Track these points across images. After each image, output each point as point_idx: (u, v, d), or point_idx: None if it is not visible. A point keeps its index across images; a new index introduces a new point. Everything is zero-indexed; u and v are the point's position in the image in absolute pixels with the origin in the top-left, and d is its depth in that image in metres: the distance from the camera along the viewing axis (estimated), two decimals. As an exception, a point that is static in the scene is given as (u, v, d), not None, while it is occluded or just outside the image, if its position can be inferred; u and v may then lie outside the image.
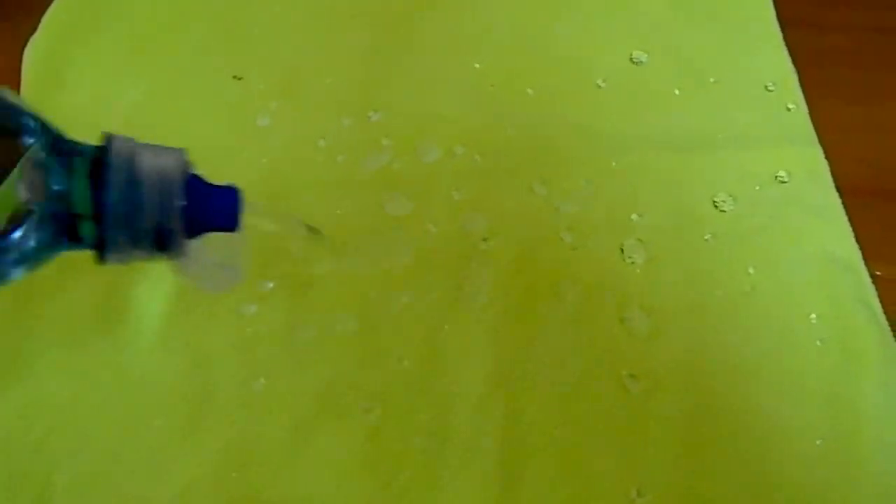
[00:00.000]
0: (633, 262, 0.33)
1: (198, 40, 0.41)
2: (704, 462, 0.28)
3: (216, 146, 0.33)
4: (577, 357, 0.30)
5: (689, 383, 0.30)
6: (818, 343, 0.31)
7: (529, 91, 0.39)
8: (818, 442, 0.29)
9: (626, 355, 0.31)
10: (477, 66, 0.40)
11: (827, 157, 0.37)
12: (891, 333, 0.32)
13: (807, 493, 0.28)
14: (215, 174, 0.26)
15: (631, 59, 0.40)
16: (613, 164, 0.36)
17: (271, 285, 0.32)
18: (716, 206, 0.35)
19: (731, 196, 0.35)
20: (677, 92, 0.39)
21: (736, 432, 0.29)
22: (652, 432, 0.29)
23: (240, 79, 0.39)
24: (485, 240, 0.34)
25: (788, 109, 0.39)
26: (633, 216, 0.35)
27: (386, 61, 0.40)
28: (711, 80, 0.40)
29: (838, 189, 0.36)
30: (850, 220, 0.35)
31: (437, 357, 0.30)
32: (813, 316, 0.32)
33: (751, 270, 0.33)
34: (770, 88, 0.39)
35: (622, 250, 0.34)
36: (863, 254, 0.34)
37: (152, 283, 0.31)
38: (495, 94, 0.39)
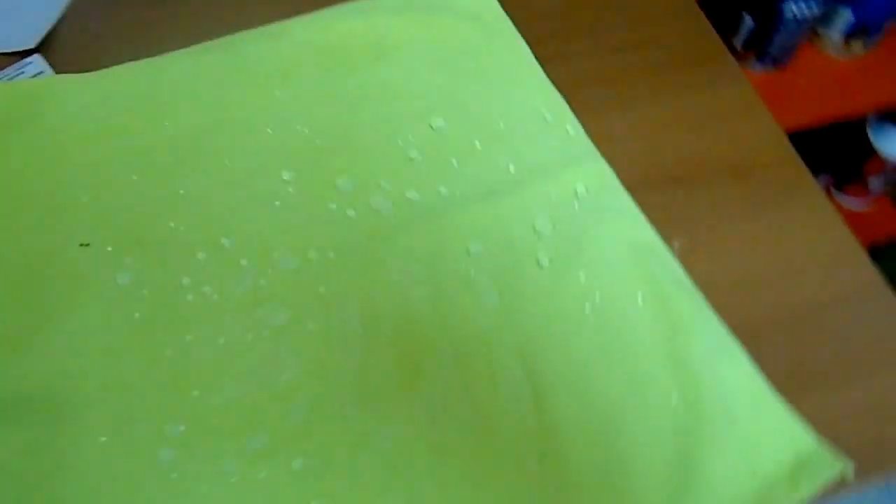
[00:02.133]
0: (489, 302, 0.39)
1: (33, 220, 0.41)
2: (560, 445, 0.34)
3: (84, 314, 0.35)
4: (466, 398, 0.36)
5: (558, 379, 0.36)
6: (650, 321, 0.38)
7: (342, 180, 0.43)
8: (673, 404, 0.36)
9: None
10: (286, 176, 0.43)
11: (610, 165, 0.45)
12: (698, 293, 0.40)
13: (664, 458, 0.35)
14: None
15: (431, 127, 0.46)
16: (444, 221, 0.41)
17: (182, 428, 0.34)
18: (536, 232, 0.41)
19: (549, 220, 0.42)
20: (478, 144, 0.45)
21: (587, 416, 0.35)
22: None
23: (87, 245, 0.40)
24: (363, 327, 0.37)
25: (568, 133, 0.46)
26: (472, 270, 0.40)
27: (215, 192, 0.42)
28: (501, 126, 0.46)
29: (626, 188, 0.44)
30: (642, 210, 0.43)
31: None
32: (639, 296, 0.39)
33: (581, 275, 0.40)
34: (548, 119, 0.47)
35: (478, 296, 0.39)
36: (660, 234, 0.42)
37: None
38: (318, 194, 0.42)
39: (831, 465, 0.35)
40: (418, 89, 0.48)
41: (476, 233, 0.41)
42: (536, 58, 0.50)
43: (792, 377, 0.38)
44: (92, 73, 0.46)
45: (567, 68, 0.50)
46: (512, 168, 0.44)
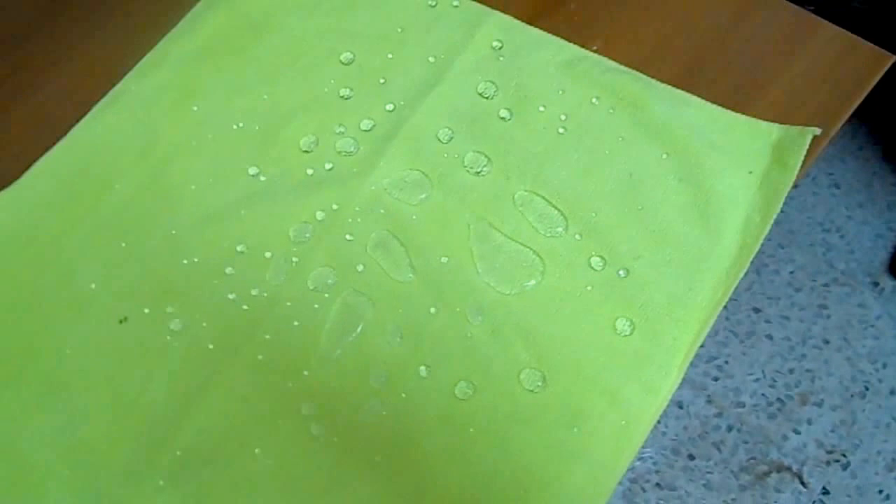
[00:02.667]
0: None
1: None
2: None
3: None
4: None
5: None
6: (612, 112, 0.46)
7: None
8: (670, 165, 0.44)
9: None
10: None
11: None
12: (633, 72, 0.47)
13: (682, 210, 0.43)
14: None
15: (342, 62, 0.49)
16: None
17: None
18: (484, 96, 0.47)
19: (487, 82, 0.48)
20: (390, 56, 0.49)
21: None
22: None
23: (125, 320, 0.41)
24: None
25: (454, 5, 0.51)
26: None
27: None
28: (399, 31, 0.50)
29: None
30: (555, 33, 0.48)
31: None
32: (593, 98, 0.47)
33: (540, 107, 0.47)
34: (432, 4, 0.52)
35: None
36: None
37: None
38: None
39: (802, 135, 0.42)
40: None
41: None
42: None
43: (726, 97, 0.45)
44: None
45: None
46: (431, 58, 0.48)
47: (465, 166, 0.45)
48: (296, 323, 0.41)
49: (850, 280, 1.15)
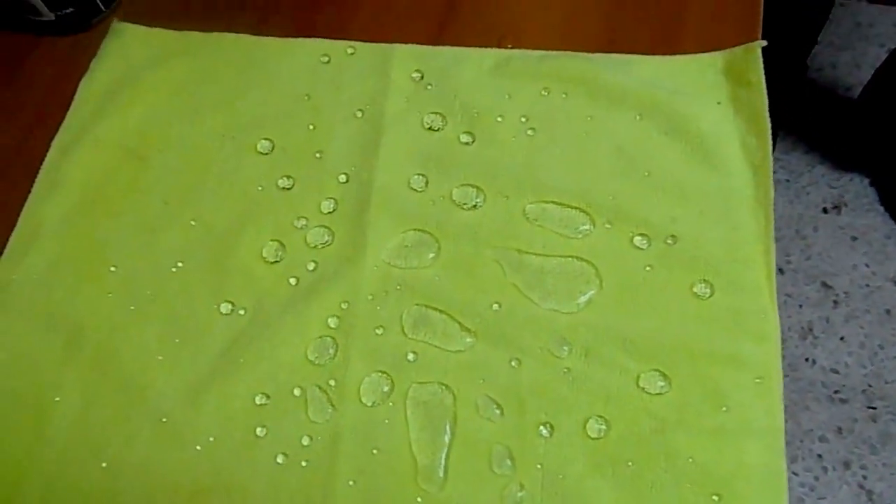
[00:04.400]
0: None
1: None
2: None
3: None
4: None
5: None
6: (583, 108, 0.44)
7: None
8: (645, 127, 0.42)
9: None
10: None
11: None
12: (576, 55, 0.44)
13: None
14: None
15: None
16: None
17: None
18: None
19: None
20: None
21: None
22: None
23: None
24: None
25: None
26: None
27: None
28: None
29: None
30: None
31: None
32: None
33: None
34: None
35: None
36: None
37: None
38: None
39: (751, 51, 0.42)
40: None
41: None
42: None
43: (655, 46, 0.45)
44: None
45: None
46: (358, 113, 0.44)
47: (458, 204, 0.40)
48: (375, 451, 0.34)
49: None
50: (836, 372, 1.11)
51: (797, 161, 1.25)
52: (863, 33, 1.36)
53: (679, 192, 0.39)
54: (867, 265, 1.17)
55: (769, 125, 0.40)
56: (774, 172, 1.22)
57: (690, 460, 0.33)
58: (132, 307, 0.37)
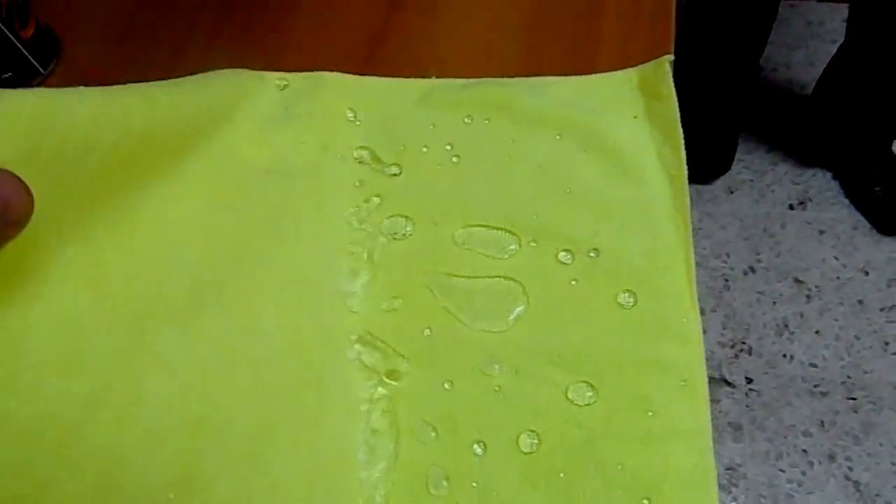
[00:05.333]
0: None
1: None
2: None
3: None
4: None
5: None
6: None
7: None
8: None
9: None
10: None
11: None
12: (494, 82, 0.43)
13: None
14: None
15: None
16: None
17: None
18: None
19: None
20: None
21: None
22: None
23: None
24: None
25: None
26: None
27: None
28: None
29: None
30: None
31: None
32: None
33: None
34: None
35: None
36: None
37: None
38: None
39: (660, 66, 0.44)
40: None
41: None
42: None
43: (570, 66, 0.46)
44: None
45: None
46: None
47: (389, 235, 0.41)
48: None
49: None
50: (815, 366, 1.12)
51: (760, 160, 1.27)
52: (814, 31, 1.39)
53: (600, 206, 0.41)
54: (836, 258, 1.19)
55: (681, 135, 0.42)
56: (738, 173, 1.24)
57: (620, 467, 0.34)
58: None
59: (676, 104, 0.43)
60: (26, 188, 0.24)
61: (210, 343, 0.34)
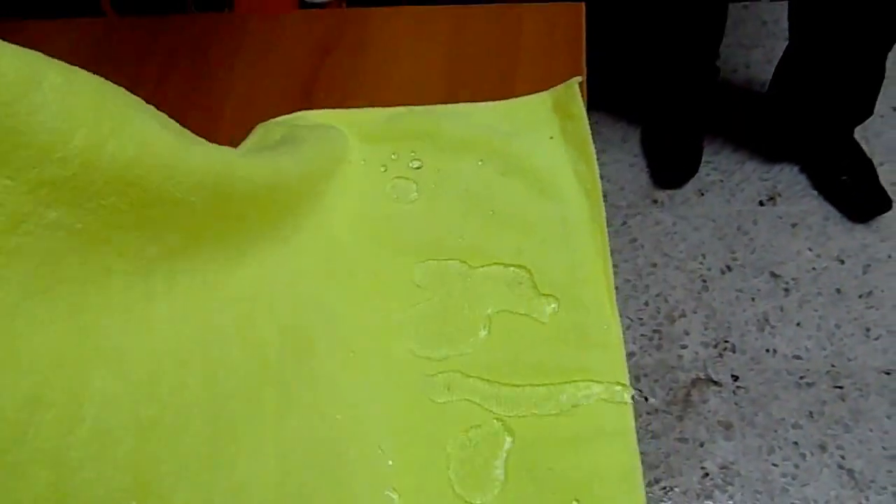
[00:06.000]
0: None
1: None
2: None
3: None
4: None
5: None
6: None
7: None
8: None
9: None
10: None
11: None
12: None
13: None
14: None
15: None
16: None
17: None
18: None
19: None
20: None
21: None
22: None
23: None
24: None
25: None
26: None
27: None
28: None
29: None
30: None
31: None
32: None
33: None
34: None
35: None
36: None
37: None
38: None
39: (570, 88, 0.46)
40: None
41: None
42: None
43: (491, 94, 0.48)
44: None
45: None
46: None
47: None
48: None
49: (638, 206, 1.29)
50: (799, 358, 1.13)
51: (727, 160, 1.30)
52: (769, 30, 1.42)
53: (522, 224, 0.43)
54: (810, 249, 1.21)
55: (594, 151, 0.44)
56: (707, 175, 1.26)
57: (549, 470, 0.36)
58: None
59: (587, 123, 0.45)
60: None
61: (161, 337, 0.32)
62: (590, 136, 0.44)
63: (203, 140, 0.32)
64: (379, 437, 0.37)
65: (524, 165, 0.44)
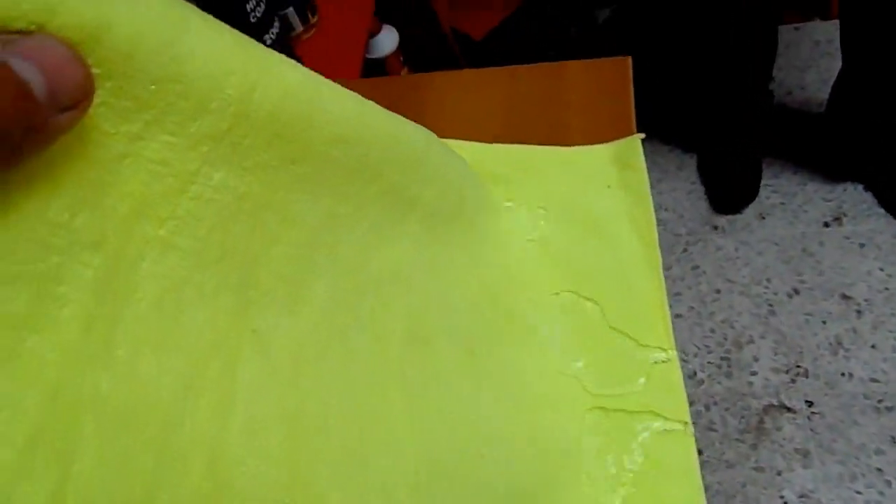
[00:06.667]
0: None
1: None
2: None
3: None
4: None
5: None
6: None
7: None
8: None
9: None
10: None
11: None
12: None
13: None
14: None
15: None
16: None
17: None
18: None
19: None
20: None
21: None
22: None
23: None
24: None
25: None
26: None
27: None
28: None
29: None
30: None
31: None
32: None
33: None
34: None
35: None
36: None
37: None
38: None
39: (632, 142, 0.49)
40: None
41: None
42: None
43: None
44: None
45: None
46: None
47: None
48: None
49: (698, 234, 1.29)
50: (876, 381, 1.11)
51: (787, 182, 1.29)
52: (823, 50, 1.41)
53: (584, 273, 0.46)
54: (881, 269, 1.18)
55: (651, 199, 0.47)
56: (767, 198, 1.25)
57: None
58: None
59: (647, 175, 0.48)
60: (82, 60, 0.18)
61: (309, 319, 0.29)
62: (648, 186, 0.47)
63: (329, 82, 0.28)
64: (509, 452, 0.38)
65: (584, 215, 0.47)
